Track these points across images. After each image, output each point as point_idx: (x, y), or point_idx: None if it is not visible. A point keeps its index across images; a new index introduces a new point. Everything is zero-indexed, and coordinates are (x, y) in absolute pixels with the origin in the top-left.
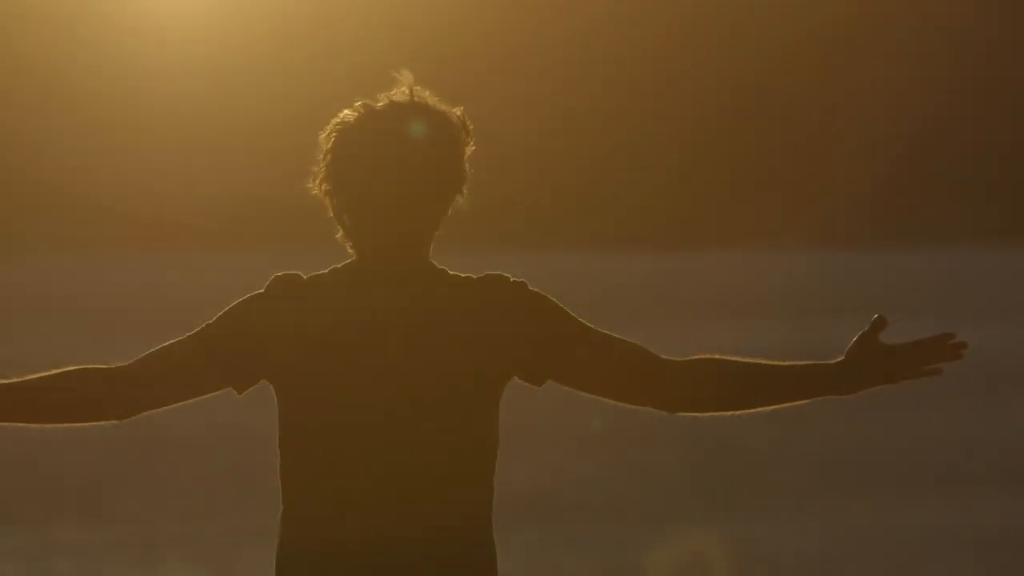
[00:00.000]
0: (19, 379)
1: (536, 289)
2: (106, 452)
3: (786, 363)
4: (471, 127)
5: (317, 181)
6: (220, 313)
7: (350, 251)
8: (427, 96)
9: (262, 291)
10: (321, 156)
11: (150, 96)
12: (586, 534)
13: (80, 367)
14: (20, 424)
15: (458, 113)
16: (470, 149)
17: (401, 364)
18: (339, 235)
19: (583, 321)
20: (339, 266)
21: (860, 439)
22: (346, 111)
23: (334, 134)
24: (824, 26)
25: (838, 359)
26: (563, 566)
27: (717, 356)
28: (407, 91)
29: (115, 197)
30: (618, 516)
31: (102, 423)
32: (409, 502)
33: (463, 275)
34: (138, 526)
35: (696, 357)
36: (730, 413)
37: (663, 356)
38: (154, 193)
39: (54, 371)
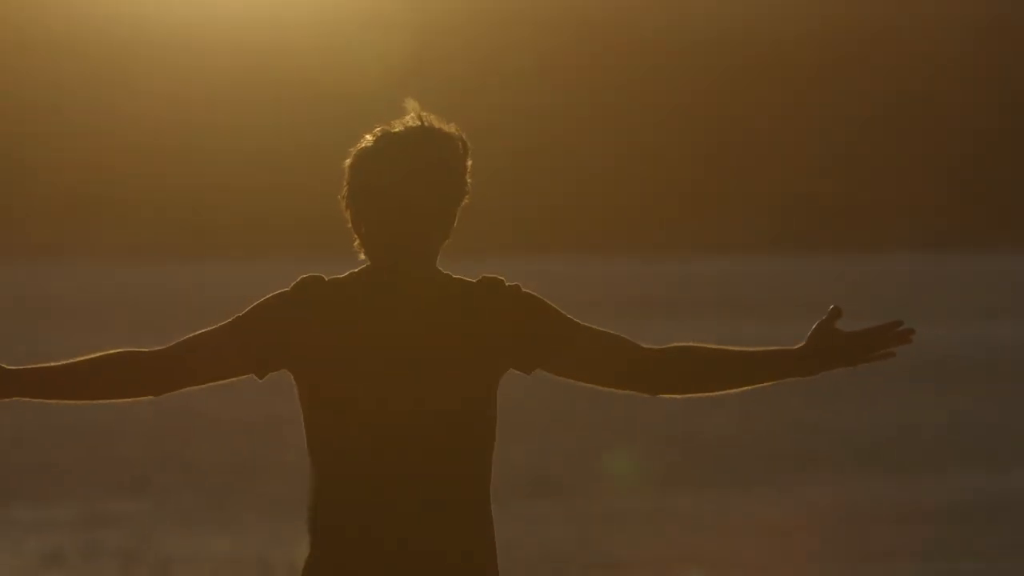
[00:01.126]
0: (67, 361)
1: (528, 290)
2: (150, 436)
3: (754, 349)
4: (469, 144)
5: (341, 196)
6: (249, 307)
7: (362, 257)
8: (434, 120)
9: (288, 289)
10: (344, 175)
11: (194, 115)
12: (573, 506)
13: (121, 350)
14: (68, 401)
15: (459, 133)
16: (470, 164)
17: (409, 357)
18: (356, 243)
19: (571, 317)
20: (356, 271)
21: (818, 423)
22: (367, 136)
23: (355, 157)
24: (787, 49)
25: (799, 345)
26: (552, 534)
27: (692, 344)
28: (417, 117)
29: (160, 206)
30: (602, 490)
31: (140, 399)
32: (417, 477)
33: (464, 279)
34: (179, 499)
35: (673, 345)
36: (705, 394)
37: (643, 345)
38: (191, 204)
39: (98, 353)
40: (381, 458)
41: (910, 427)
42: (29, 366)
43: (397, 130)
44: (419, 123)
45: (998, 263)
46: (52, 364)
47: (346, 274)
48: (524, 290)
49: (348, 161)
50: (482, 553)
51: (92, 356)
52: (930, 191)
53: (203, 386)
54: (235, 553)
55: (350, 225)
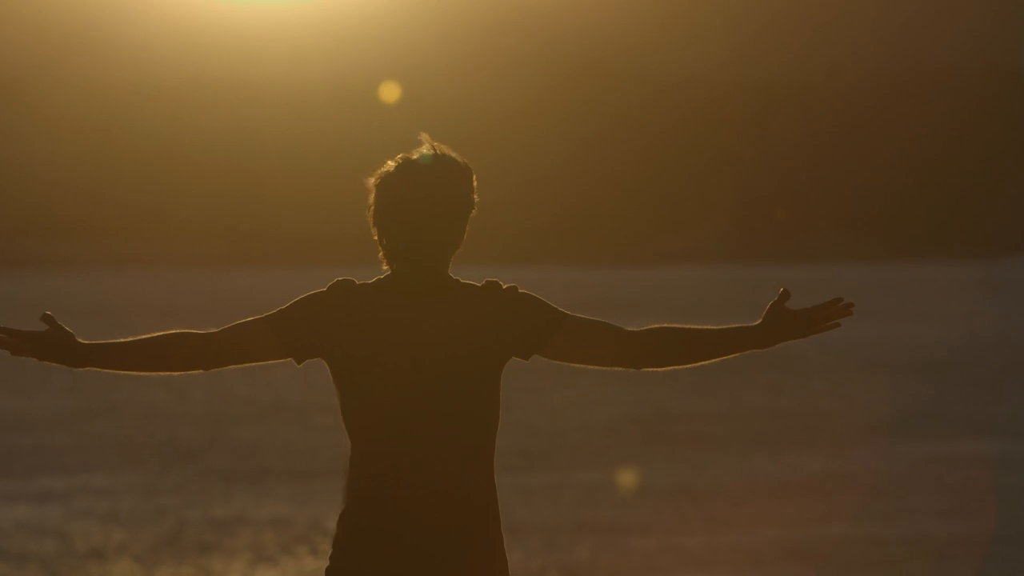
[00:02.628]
0: (132, 338)
1: (524, 290)
2: (201, 417)
3: (720, 327)
4: (473, 171)
5: (368, 215)
6: (290, 302)
7: (384, 268)
8: (447, 149)
9: (324, 289)
10: (371, 196)
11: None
12: (559, 476)
13: (177, 331)
14: (131, 372)
15: (464, 161)
16: (475, 186)
17: (425, 349)
18: (380, 254)
19: (561, 308)
20: (381, 277)
21: (768, 405)
22: (389, 162)
23: (379, 180)
24: (746, 91)
25: (757, 322)
26: (541, 500)
27: (668, 325)
28: (431, 147)
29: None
30: (581, 464)
31: (191, 372)
32: (432, 450)
33: (471, 283)
34: (227, 471)
35: (652, 326)
36: (682, 366)
37: (626, 328)
38: (246, 221)
39: (158, 333)
40: (402, 434)
41: (847, 410)
42: (100, 341)
43: (415, 157)
44: (433, 152)
45: (926, 272)
46: (120, 340)
47: (373, 279)
48: (520, 290)
49: (374, 186)
50: (488, 512)
51: (154, 335)
52: (866, 212)
53: (245, 365)
54: (274, 516)
55: (376, 238)
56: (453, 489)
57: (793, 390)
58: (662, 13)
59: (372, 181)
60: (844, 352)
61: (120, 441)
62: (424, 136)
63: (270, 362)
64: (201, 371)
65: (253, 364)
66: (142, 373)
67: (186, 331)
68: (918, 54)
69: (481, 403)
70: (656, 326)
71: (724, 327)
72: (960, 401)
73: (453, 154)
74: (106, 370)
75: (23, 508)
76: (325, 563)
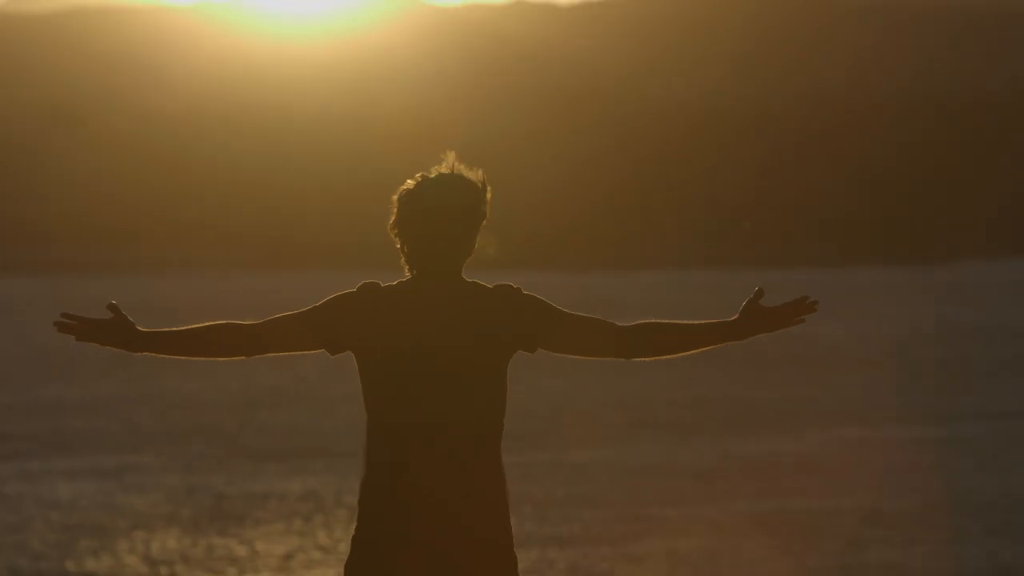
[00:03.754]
0: (183, 327)
1: (528, 292)
2: (237, 405)
3: (700, 321)
4: (488, 187)
5: (390, 225)
6: (323, 300)
7: (407, 273)
8: (463, 168)
9: (353, 290)
10: (393, 209)
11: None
12: (551, 456)
13: (223, 321)
14: (181, 357)
15: (481, 176)
16: (489, 197)
17: (442, 342)
18: (402, 260)
19: (561, 308)
20: (404, 280)
21: (736, 394)
22: (409, 180)
23: (400, 195)
24: (717, 117)
25: (734, 317)
26: (534, 477)
27: (655, 320)
28: (449, 166)
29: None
30: (570, 444)
31: (234, 359)
32: (445, 431)
33: (483, 284)
34: (259, 452)
35: (641, 322)
36: (667, 356)
37: (618, 323)
38: (278, 227)
39: (208, 323)
40: (418, 417)
41: (807, 398)
42: (155, 329)
43: (433, 175)
44: (450, 171)
45: (877, 276)
46: (172, 328)
47: (396, 282)
48: (525, 291)
49: (396, 200)
50: (494, 490)
51: (203, 324)
52: (824, 222)
53: (281, 354)
54: (303, 491)
55: (398, 246)
56: (464, 474)
57: (758, 381)
58: (648, 53)
59: (395, 197)
60: (804, 347)
61: (164, 425)
62: (450, 154)
63: (304, 352)
64: (243, 357)
65: (288, 353)
66: (192, 358)
67: (232, 322)
68: (870, 84)
69: (489, 392)
70: (644, 321)
71: (704, 322)
72: (905, 391)
73: (467, 171)
74: (160, 355)
75: (80, 484)
76: (351, 532)
